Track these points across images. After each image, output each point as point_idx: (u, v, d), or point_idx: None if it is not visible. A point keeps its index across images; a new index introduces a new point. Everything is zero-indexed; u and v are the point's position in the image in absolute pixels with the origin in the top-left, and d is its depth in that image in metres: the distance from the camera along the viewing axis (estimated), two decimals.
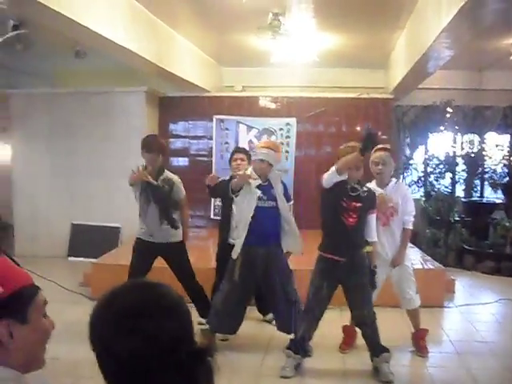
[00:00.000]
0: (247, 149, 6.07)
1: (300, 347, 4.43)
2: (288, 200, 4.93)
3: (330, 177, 4.19)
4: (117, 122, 8.97)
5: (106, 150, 8.90)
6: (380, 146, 4.70)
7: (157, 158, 5.08)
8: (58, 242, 8.94)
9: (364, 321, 4.37)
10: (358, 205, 4.26)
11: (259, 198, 4.59)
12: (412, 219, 4.83)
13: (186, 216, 5.49)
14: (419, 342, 4.91)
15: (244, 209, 4.60)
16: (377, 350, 4.37)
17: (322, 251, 4.42)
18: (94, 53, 7.38)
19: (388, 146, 4.91)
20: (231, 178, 4.86)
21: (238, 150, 5.64)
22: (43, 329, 1.44)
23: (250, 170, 4.70)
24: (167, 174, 5.20)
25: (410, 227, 4.83)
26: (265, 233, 4.62)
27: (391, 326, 5.44)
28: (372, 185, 4.70)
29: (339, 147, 4.55)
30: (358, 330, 4.63)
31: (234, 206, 4.80)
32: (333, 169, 4.18)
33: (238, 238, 4.66)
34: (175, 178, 5.22)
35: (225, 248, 5.03)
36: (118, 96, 9.02)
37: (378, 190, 4.64)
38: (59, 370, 4.42)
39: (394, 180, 4.86)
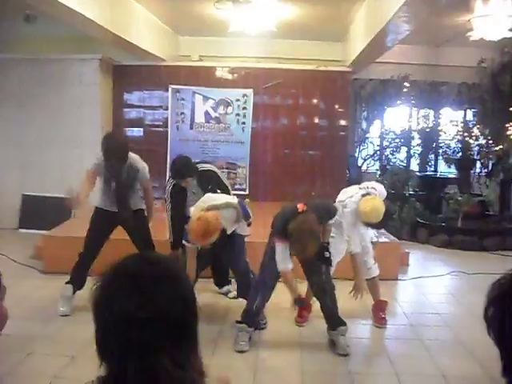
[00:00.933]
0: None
1: (254, 320, 4.42)
2: (248, 217, 4.75)
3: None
4: (70, 90, 8.68)
5: (59, 119, 8.63)
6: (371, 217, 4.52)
7: (115, 162, 4.81)
8: (9, 213, 8.66)
9: (324, 287, 4.37)
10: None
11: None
12: None
13: (150, 196, 5.36)
14: (378, 314, 4.97)
15: None
16: (334, 322, 4.39)
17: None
18: (46, 18, 7.10)
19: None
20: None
21: (178, 175, 5.23)
22: (3, 313, 1.36)
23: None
24: (130, 160, 4.91)
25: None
26: None
27: (347, 298, 5.49)
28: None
29: (291, 226, 4.05)
30: (315, 301, 4.63)
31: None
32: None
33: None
34: (139, 164, 5.02)
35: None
36: (71, 64, 8.71)
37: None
38: (10, 345, 4.30)
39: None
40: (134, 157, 5.01)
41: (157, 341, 1.20)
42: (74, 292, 4.98)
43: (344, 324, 4.39)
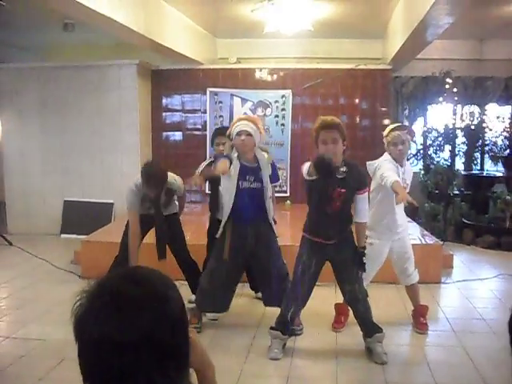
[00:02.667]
0: None
1: (288, 328, 4.31)
2: (275, 180, 4.74)
3: (306, 173, 3.96)
4: (108, 96, 8.77)
5: (98, 124, 8.73)
6: (397, 124, 4.67)
7: (153, 193, 4.76)
8: (51, 219, 8.80)
9: (356, 297, 4.23)
10: (343, 191, 4.03)
11: (246, 179, 4.40)
12: None
13: (184, 201, 5.43)
14: (419, 319, 4.81)
15: (228, 190, 4.43)
16: (369, 329, 4.24)
17: (307, 235, 4.24)
18: (84, 26, 7.18)
19: (405, 124, 4.78)
20: (215, 158, 4.66)
21: (220, 132, 5.13)
22: None
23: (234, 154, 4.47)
24: (168, 183, 4.87)
25: None
26: (251, 212, 4.45)
27: (387, 303, 5.35)
28: (387, 161, 4.47)
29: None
30: (350, 309, 4.50)
31: (221, 185, 4.62)
32: (306, 167, 3.93)
33: (223, 218, 4.52)
34: (174, 185, 4.98)
35: (215, 224, 4.88)
36: (109, 69, 8.79)
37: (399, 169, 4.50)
38: (44, 350, 4.34)
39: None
40: (170, 178, 4.92)
41: (140, 366, 1.11)
42: None
43: (380, 331, 4.23)
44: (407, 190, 4.57)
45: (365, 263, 4.18)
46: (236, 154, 4.41)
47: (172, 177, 4.95)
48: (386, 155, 4.58)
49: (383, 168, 4.41)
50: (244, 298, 5.58)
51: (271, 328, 4.32)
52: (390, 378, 3.88)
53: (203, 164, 4.89)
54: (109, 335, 1.10)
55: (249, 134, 4.35)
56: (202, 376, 1.45)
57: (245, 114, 8.58)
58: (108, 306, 1.13)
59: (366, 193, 4.25)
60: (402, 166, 4.57)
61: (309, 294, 4.28)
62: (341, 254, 4.17)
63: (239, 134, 4.34)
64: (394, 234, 4.63)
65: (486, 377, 3.87)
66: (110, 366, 1.10)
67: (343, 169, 4.05)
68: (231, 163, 4.34)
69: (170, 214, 5.10)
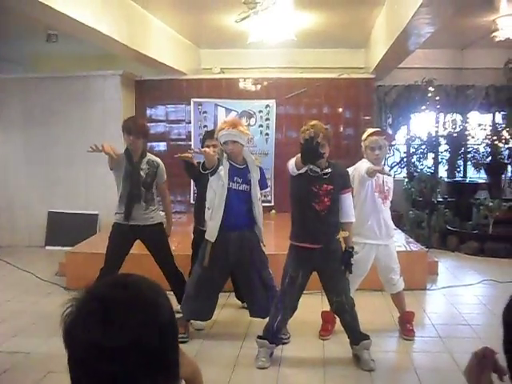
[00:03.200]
0: None
1: (276, 337, 4.31)
2: (264, 187, 4.79)
3: (292, 168, 4.04)
4: (93, 107, 8.75)
5: (82, 135, 8.66)
6: (374, 129, 4.73)
7: (138, 140, 4.89)
8: (36, 230, 8.75)
9: (343, 307, 4.24)
10: (330, 187, 4.08)
11: (234, 181, 4.42)
12: None
13: (168, 201, 5.36)
14: (406, 326, 4.83)
15: (217, 190, 4.43)
16: (356, 337, 4.26)
17: (294, 241, 4.25)
18: (67, 37, 7.17)
19: (383, 130, 4.84)
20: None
21: (210, 135, 5.18)
22: None
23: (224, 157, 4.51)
24: (150, 156, 5.07)
25: None
26: (237, 216, 4.45)
27: (373, 310, 5.36)
28: (364, 162, 4.58)
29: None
30: (336, 317, 4.51)
31: (208, 188, 4.60)
32: (293, 162, 4.03)
33: (211, 219, 4.47)
34: (159, 160, 5.09)
35: (200, 233, 4.87)
36: (93, 80, 8.79)
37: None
38: (29, 363, 4.29)
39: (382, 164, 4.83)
40: (152, 155, 5.11)
41: (129, 373, 1.10)
42: None
43: (367, 338, 4.24)
44: (390, 195, 4.68)
45: (352, 264, 4.20)
46: (226, 156, 4.44)
47: (156, 159, 5.09)
48: (363, 160, 4.65)
49: (359, 168, 4.53)
50: (230, 308, 5.57)
51: (258, 337, 4.31)
52: (379, 383, 3.90)
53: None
54: (97, 341, 1.09)
55: (235, 142, 4.40)
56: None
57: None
58: (96, 312, 1.13)
59: (350, 193, 4.29)
60: None
61: (296, 304, 4.29)
62: (328, 264, 4.18)
63: (226, 143, 4.40)
64: (379, 236, 4.64)
65: None
66: (99, 373, 1.10)
67: (328, 170, 4.09)
68: (219, 163, 4.37)
69: (154, 223, 5.04)
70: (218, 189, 4.42)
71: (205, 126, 8.93)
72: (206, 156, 4.33)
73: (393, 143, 9.54)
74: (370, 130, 4.72)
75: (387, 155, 9.62)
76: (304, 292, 4.33)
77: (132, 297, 1.16)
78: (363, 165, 4.54)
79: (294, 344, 4.62)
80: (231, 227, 4.42)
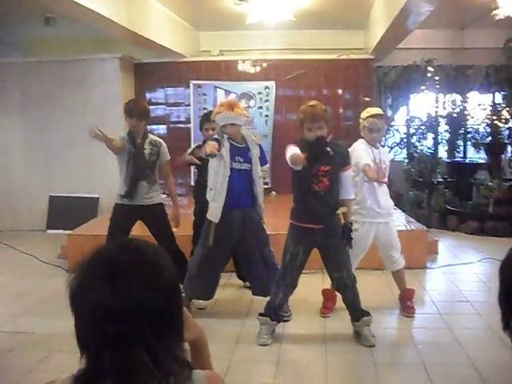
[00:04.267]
0: None
1: (277, 314, 4.35)
2: (264, 163, 4.83)
3: (290, 162, 4.02)
4: (92, 90, 8.73)
5: (82, 119, 8.66)
6: (374, 111, 4.72)
7: (140, 122, 4.96)
8: (37, 215, 8.77)
9: (345, 283, 4.27)
10: (328, 168, 4.09)
11: (235, 160, 4.45)
12: None
13: (172, 181, 5.36)
14: (406, 303, 4.87)
15: (220, 171, 4.44)
16: (357, 314, 4.29)
17: (295, 221, 4.28)
18: (65, 20, 7.13)
19: (381, 112, 4.84)
20: (204, 142, 4.73)
21: (208, 119, 5.15)
22: None
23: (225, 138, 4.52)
24: (152, 137, 5.18)
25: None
26: (240, 196, 4.49)
27: (374, 288, 5.40)
28: (361, 144, 4.65)
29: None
30: (338, 294, 4.55)
31: (209, 169, 4.61)
32: (291, 156, 3.95)
33: (214, 200, 4.50)
34: (161, 140, 5.20)
35: (201, 214, 4.89)
36: (92, 64, 8.76)
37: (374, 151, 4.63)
38: (33, 343, 4.34)
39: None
40: (153, 136, 5.26)
41: (134, 332, 1.13)
42: None
43: (368, 314, 4.28)
44: (387, 172, 4.70)
45: (352, 238, 4.24)
46: (226, 136, 4.47)
47: (158, 139, 5.21)
48: (360, 140, 4.71)
49: (357, 151, 4.56)
50: (231, 288, 5.61)
51: (260, 314, 4.35)
52: (379, 359, 3.94)
53: (192, 147, 5.01)
54: (104, 302, 1.13)
55: (233, 124, 4.44)
56: (197, 348, 1.47)
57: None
58: (102, 274, 1.16)
59: (350, 170, 4.32)
60: (376, 149, 4.71)
61: (297, 281, 4.33)
62: (329, 240, 4.20)
63: (224, 126, 4.43)
64: (378, 215, 4.67)
65: (472, 356, 3.93)
66: (105, 334, 1.13)
67: (328, 149, 4.10)
68: (220, 145, 4.38)
69: (155, 203, 5.09)
70: (220, 169, 4.45)
71: (204, 108, 8.90)
72: (207, 153, 4.33)
73: (391, 125, 9.56)
74: (370, 110, 4.73)
75: (386, 136, 9.64)
76: (305, 271, 4.37)
77: (137, 259, 1.19)
78: (360, 147, 4.60)
79: (296, 322, 4.66)
80: (234, 206, 4.47)
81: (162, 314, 1.17)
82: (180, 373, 1.19)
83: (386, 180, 4.62)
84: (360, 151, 4.56)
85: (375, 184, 4.56)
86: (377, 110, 4.78)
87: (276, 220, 7.07)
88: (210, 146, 4.30)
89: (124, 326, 1.12)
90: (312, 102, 4.22)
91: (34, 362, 3.95)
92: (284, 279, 4.29)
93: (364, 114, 4.72)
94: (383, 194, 4.72)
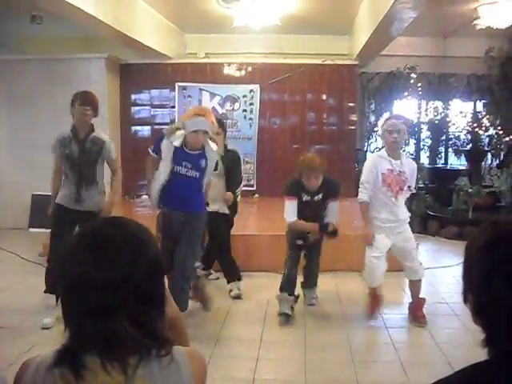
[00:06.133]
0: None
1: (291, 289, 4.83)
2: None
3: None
4: (77, 89, 8.63)
5: (67, 118, 8.51)
6: (394, 114, 4.71)
7: (89, 112, 4.66)
8: (20, 213, 8.73)
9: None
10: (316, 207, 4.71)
11: (183, 166, 4.39)
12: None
13: (119, 180, 4.96)
14: (417, 312, 4.80)
15: (162, 171, 4.42)
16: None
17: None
18: (52, 18, 7.14)
19: (402, 115, 4.84)
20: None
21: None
22: None
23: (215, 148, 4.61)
24: (97, 133, 4.76)
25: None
26: (182, 199, 4.41)
27: (353, 290, 5.46)
28: (382, 154, 4.66)
29: (300, 157, 4.74)
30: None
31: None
32: (286, 220, 4.67)
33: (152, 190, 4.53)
34: (106, 137, 4.82)
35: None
36: (78, 63, 8.76)
37: (392, 162, 4.60)
38: (14, 338, 4.34)
39: (403, 152, 4.83)
40: (100, 132, 4.83)
41: (117, 304, 1.18)
42: (57, 300, 4.41)
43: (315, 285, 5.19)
44: (408, 184, 4.68)
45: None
46: (180, 139, 4.37)
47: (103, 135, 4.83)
48: (378, 152, 4.72)
49: (364, 167, 4.70)
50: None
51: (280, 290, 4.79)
52: (357, 357, 4.01)
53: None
54: (89, 272, 1.17)
55: (206, 132, 4.37)
56: (175, 326, 1.50)
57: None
58: (89, 245, 1.21)
59: (337, 201, 4.74)
60: (396, 159, 4.60)
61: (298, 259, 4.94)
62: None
63: (196, 132, 4.31)
64: (394, 227, 4.68)
65: (448, 355, 4.02)
66: (88, 304, 1.17)
67: (319, 196, 4.71)
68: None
69: (97, 210, 4.67)
70: (162, 172, 4.42)
71: None
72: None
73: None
74: (387, 115, 4.69)
75: (371, 142, 9.75)
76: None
77: (123, 234, 1.24)
78: (367, 166, 4.67)
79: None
80: (176, 207, 4.44)
81: (144, 287, 1.21)
82: (161, 347, 1.23)
83: (405, 192, 4.69)
84: (365, 168, 4.68)
85: (388, 197, 4.60)
86: (393, 113, 4.81)
87: (258, 222, 7.16)
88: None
89: (107, 297, 1.17)
90: (311, 156, 4.76)
91: (14, 355, 3.94)
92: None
93: (382, 121, 4.77)
94: (398, 206, 4.69)
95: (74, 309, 1.21)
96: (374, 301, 4.83)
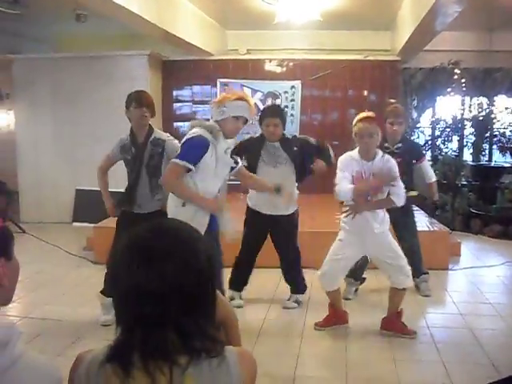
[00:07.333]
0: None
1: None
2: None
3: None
4: (120, 86, 8.80)
5: (109, 115, 8.78)
6: (363, 115, 4.17)
7: (147, 114, 4.39)
8: (63, 207, 8.95)
9: (413, 249, 5.18)
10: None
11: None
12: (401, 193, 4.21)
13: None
14: (399, 324, 4.35)
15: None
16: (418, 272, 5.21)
17: None
18: (96, 17, 7.26)
19: (373, 115, 4.20)
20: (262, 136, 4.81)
21: (272, 113, 4.80)
22: (18, 265, 1.39)
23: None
24: (156, 133, 4.51)
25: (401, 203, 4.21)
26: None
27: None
28: (354, 154, 4.18)
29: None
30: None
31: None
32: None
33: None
34: (165, 136, 4.51)
35: None
36: (120, 60, 8.90)
37: (363, 164, 4.13)
38: (60, 330, 4.46)
39: (380, 153, 4.21)
40: (159, 132, 4.58)
41: (167, 313, 1.20)
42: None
43: (426, 273, 5.32)
44: (385, 187, 4.18)
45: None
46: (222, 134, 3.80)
47: (163, 132, 4.64)
48: (351, 152, 4.23)
49: (337, 172, 4.18)
50: None
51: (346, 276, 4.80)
52: (399, 356, 3.98)
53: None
54: (139, 285, 1.20)
55: (246, 121, 3.92)
56: (227, 328, 1.52)
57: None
58: (137, 257, 1.23)
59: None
60: (368, 161, 4.15)
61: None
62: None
63: (237, 118, 3.81)
64: (366, 232, 4.20)
65: (492, 357, 3.95)
66: (139, 313, 1.20)
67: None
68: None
69: (153, 211, 4.45)
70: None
71: None
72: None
73: (417, 126, 9.55)
74: (360, 115, 4.19)
75: (413, 139, 9.61)
76: None
77: (171, 243, 1.25)
78: (340, 166, 4.17)
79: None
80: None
81: (194, 296, 1.23)
82: (212, 348, 1.24)
83: (376, 197, 4.19)
84: (337, 169, 4.18)
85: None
86: (366, 114, 4.20)
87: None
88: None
89: (157, 308, 1.20)
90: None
91: (60, 347, 4.05)
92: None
93: (354, 121, 4.19)
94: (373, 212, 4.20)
95: (124, 314, 1.24)
96: (333, 314, 4.49)
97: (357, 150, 4.21)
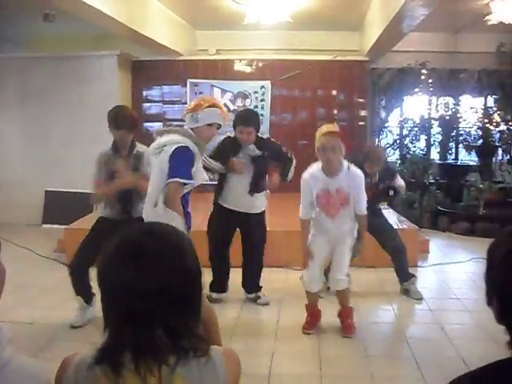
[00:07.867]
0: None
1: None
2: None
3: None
4: (89, 86, 8.80)
5: (79, 115, 8.75)
6: (325, 129, 4.10)
7: (127, 134, 4.41)
8: (33, 209, 8.83)
9: (399, 249, 5.36)
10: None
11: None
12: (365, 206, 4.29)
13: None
14: (346, 320, 4.42)
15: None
16: (405, 275, 5.34)
17: None
18: (64, 16, 7.19)
19: (337, 129, 4.17)
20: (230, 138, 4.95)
21: (246, 123, 4.82)
22: (4, 270, 1.39)
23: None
24: (138, 148, 4.52)
25: (365, 213, 4.30)
26: None
27: (367, 285, 5.51)
28: (317, 171, 4.17)
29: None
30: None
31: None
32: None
33: None
34: (145, 148, 4.41)
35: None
36: (90, 60, 8.83)
37: (327, 181, 4.16)
38: (33, 332, 4.42)
39: (345, 166, 4.15)
40: (140, 146, 4.56)
41: (155, 312, 1.23)
42: (86, 302, 4.56)
43: (414, 276, 5.35)
44: (352, 200, 4.22)
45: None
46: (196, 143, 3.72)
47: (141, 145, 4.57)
48: (313, 166, 4.24)
49: (301, 195, 4.30)
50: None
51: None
52: (371, 352, 4.06)
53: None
54: (128, 284, 1.23)
55: (219, 127, 3.92)
56: (208, 327, 1.56)
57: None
58: (127, 256, 1.26)
59: None
60: (332, 176, 4.15)
61: None
62: None
63: (211, 125, 3.81)
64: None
65: (461, 351, 4.06)
66: (128, 313, 1.23)
67: None
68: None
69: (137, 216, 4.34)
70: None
71: None
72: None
73: (385, 126, 9.70)
74: (322, 129, 4.11)
75: (379, 137, 9.75)
76: None
77: (160, 243, 1.28)
78: (302, 189, 4.25)
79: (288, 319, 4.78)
80: None
81: (182, 295, 1.27)
82: (199, 347, 1.28)
83: (343, 210, 4.23)
84: (301, 190, 4.25)
85: (324, 220, 4.27)
86: (328, 128, 4.13)
87: (271, 218, 7.19)
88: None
89: (146, 306, 1.22)
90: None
91: (34, 350, 4.02)
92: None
93: (317, 134, 4.12)
94: (336, 229, 4.28)
95: (113, 315, 1.26)
96: (313, 314, 4.54)
97: (319, 166, 4.17)
